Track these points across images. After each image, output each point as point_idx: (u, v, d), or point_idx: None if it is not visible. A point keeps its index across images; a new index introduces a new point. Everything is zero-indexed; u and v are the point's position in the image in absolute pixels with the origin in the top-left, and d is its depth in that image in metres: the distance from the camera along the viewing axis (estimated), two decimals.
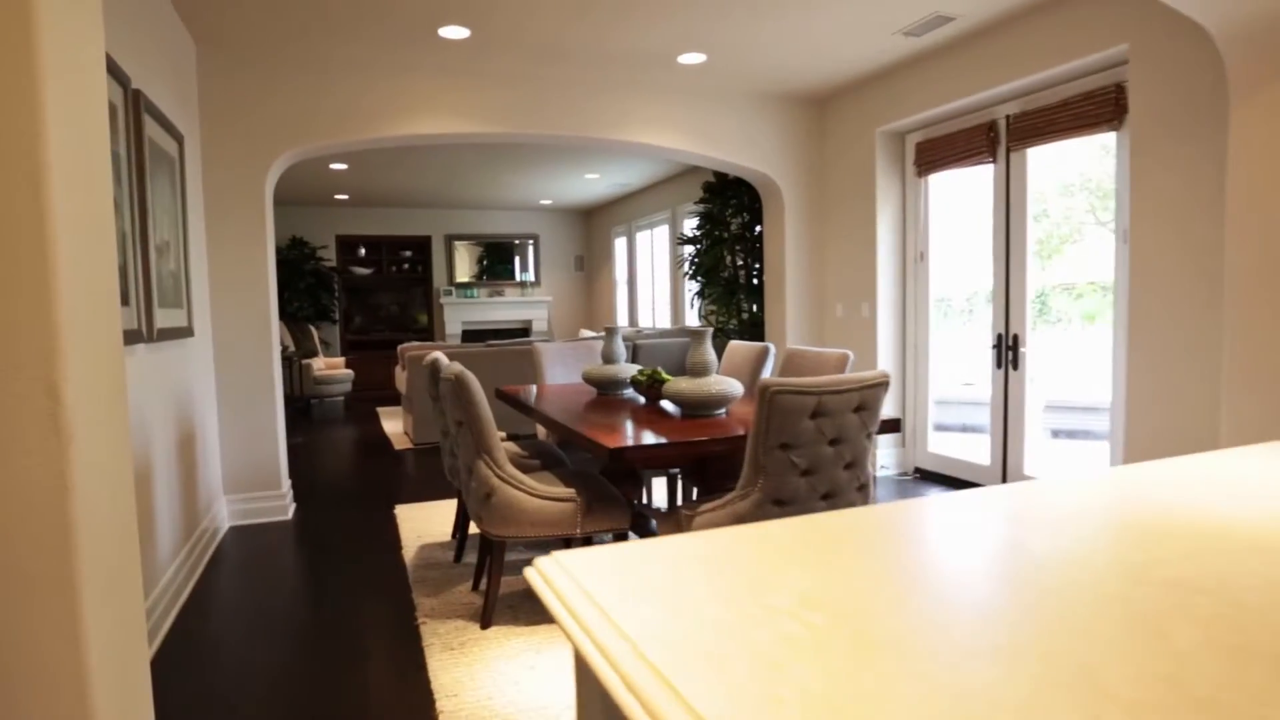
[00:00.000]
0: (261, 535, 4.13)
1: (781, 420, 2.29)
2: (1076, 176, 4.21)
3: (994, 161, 4.45)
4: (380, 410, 9.08)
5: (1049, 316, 4.42)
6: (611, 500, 2.84)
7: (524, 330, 11.46)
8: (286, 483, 4.53)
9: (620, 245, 10.57)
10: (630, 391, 3.81)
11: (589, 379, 3.76)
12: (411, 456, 6.22)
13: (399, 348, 6.72)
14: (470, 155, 7.33)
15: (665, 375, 3.40)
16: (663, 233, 9.22)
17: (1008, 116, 4.34)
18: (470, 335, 11.24)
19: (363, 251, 10.76)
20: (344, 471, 5.70)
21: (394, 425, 7.79)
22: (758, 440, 2.34)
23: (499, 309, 11.07)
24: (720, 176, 6.34)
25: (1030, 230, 4.30)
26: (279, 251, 9.94)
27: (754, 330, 6.14)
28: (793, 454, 2.34)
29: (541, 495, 2.78)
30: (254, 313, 4.29)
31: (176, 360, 3.43)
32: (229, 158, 4.18)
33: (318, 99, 4.32)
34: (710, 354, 3.05)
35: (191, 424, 3.68)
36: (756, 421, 2.32)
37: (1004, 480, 4.56)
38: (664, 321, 9.29)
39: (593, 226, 11.52)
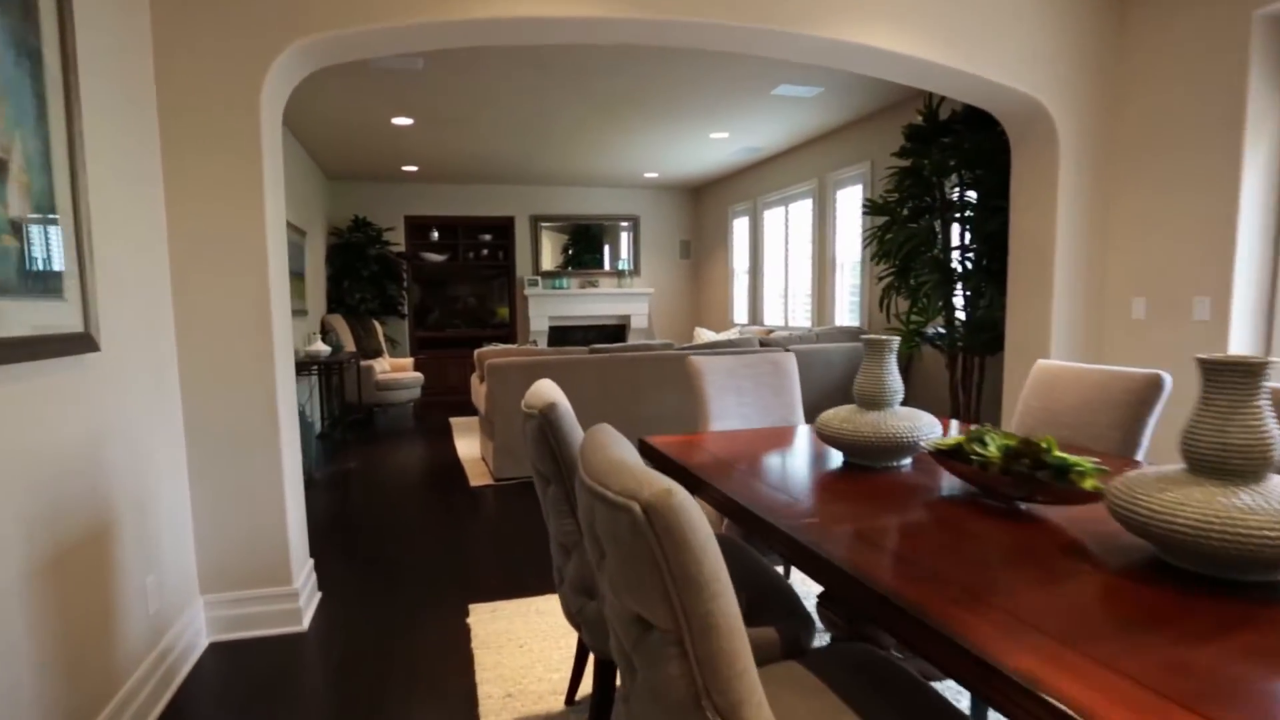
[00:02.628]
0: (253, 661, 2.50)
1: None
2: None
3: None
4: (454, 422, 7.50)
5: None
6: None
7: (620, 328, 9.75)
8: (303, 570, 2.90)
9: (740, 227, 8.74)
10: (905, 464, 1.99)
11: (835, 438, 1.96)
12: (492, 498, 4.56)
13: (476, 353, 5.07)
14: (569, 113, 5.65)
15: (1069, 457, 1.58)
16: (803, 209, 7.35)
17: None
18: (557, 333, 9.61)
19: (435, 235, 9.24)
20: (400, 527, 4.07)
21: (470, 446, 6.18)
22: None
23: (591, 302, 9.40)
24: (930, 119, 4.44)
25: None
26: (339, 234, 8.48)
27: (980, 337, 4.23)
28: None
29: None
30: (242, 307, 2.67)
31: (42, 395, 1.80)
32: (199, 49, 2.54)
33: None
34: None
35: (108, 497, 2.05)
36: None
37: None
38: (801, 321, 7.42)
39: (703, 206, 9.72)
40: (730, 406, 2.91)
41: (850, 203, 6.55)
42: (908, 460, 1.98)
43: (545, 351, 4.98)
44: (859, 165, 6.28)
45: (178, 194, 2.58)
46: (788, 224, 7.60)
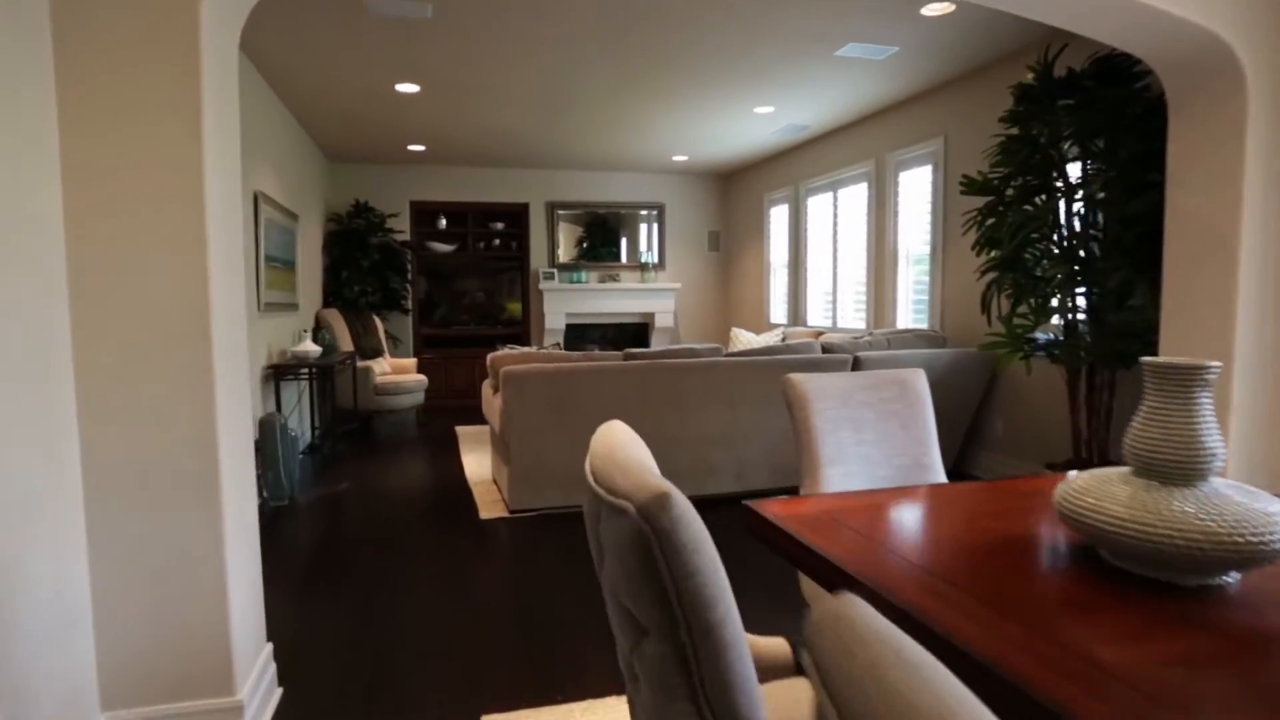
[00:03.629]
0: None
1: None
2: None
3: None
4: (461, 432, 6.72)
5: None
6: None
7: (642, 327, 8.95)
8: (254, 668, 2.11)
9: (778, 216, 7.91)
10: (1230, 580, 1.19)
11: (1105, 534, 1.14)
12: (507, 536, 3.77)
13: (490, 357, 4.26)
14: (596, 81, 4.85)
15: None
16: (855, 195, 6.52)
17: None
18: (574, 331, 8.81)
19: (443, 223, 8.44)
20: (392, 580, 3.29)
21: (479, 462, 5.39)
22: None
23: (612, 298, 8.59)
24: (1044, 78, 3.61)
25: None
26: (338, 220, 7.70)
27: (1113, 345, 3.41)
28: None
29: None
30: (168, 301, 1.88)
31: None
32: None
33: None
34: None
35: None
36: None
37: None
38: (853, 321, 6.60)
39: (735, 194, 8.90)
40: (846, 445, 2.10)
41: (916, 185, 5.73)
42: (1233, 575, 1.18)
43: (570, 357, 4.18)
44: (928, 142, 5.46)
45: (78, 134, 1.79)
46: (836, 212, 6.77)
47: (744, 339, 6.82)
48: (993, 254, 3.78)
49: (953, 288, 5.29)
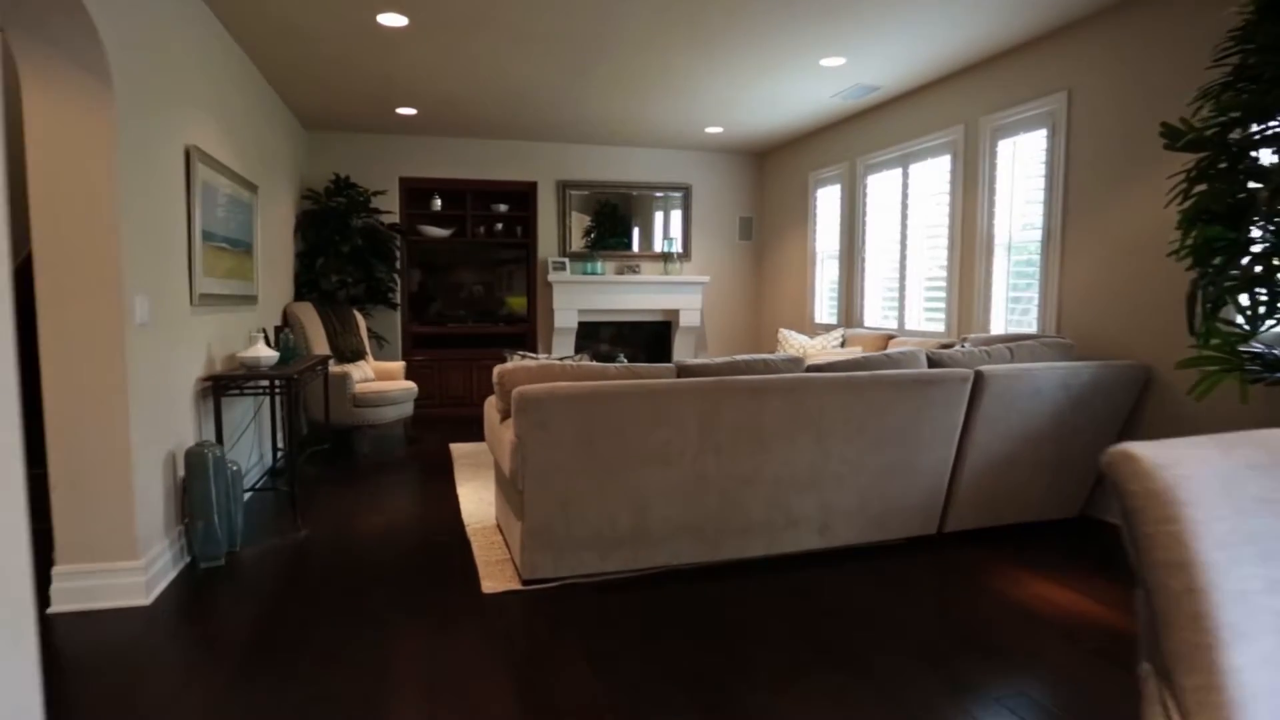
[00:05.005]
0: None
1: None
2: None
3: None
4: (456, 451, 5.63)
5: None
6: None
7: (665, 325, 7.85)
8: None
9: (828, 199, 6.82)
10: None
11: None
12: (517, 618, 2.69)
13: (497, 371, 3.13)
14: (634, 20, 3.76)
15: None
16: (933, 171, 5.43)
17: None
18: (588, 330, 7.70)
19: (438, 203, 7.32)
20: (350, 697, 2.19)
21: (478, 496, 4.30)
22: None
23: (631, 293, 7.48)
24: None
25: None
26: (315, 197, 6.57)
27: None
28: None
29: None
30: None
31: None
32: None
33: None
34: None
35: None
36: None
37: None
38: (927, 324, 5.51)
39: (772, 174, 7.80)
40: (1255, 595, 1.02)
41: (1023, 156, 4.64)
42: None
43: (604, 371, 3.08)
44: (1043, 100, 4.36)
45: None
46: (906, 191, 5.68)
47: (795, 343, 5.72)
48: (1205, 232, 2.68)
49: (1076, 282, 4.20)
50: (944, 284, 5.27)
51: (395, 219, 7.11)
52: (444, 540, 3.62)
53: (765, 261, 7.98)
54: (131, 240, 2.87)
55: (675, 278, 7.52)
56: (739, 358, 3.29)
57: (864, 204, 6.22)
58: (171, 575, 3.13)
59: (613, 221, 7.63)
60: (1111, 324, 3.99)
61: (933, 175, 5.40)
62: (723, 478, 3.12)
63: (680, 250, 7.79)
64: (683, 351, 7.76)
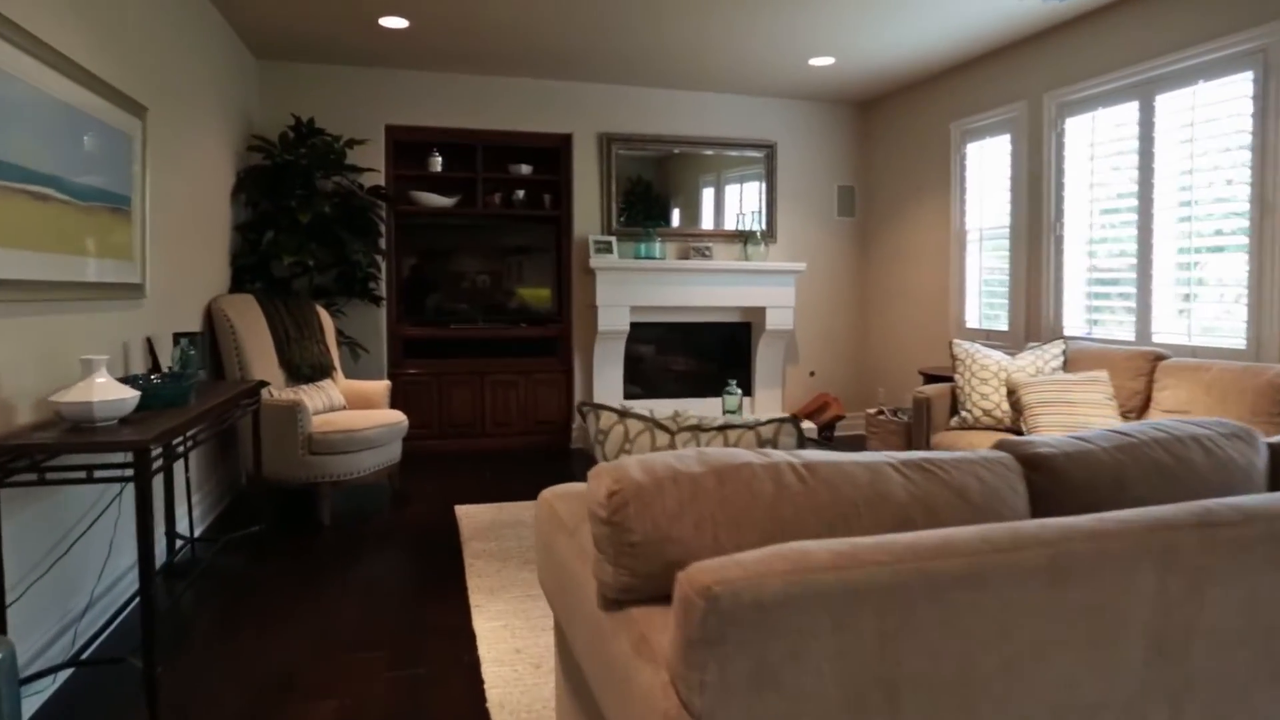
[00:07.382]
0: None
1: None
2: None
3: None
4: (463, 521, 3.70)
5: None
6: None
7: (745, 328, 5.89)
8: None
9: (988, 155, 4.87)
10: None
11: None
12: None
13: (606, 488, 1.18)
14: None
15: None
16: (1216, 95, 3.50)
17: None
18: (642, 334, 5.73)
19: (438, 162, 5.37)
20: None
21: (507, 645, 2.37)
22: None
23: (699, 285, 5.54)
24: None
25: None
26: (267, 148, 4.61)
27: None
28: None
29: None
30: None
31: None
32: None
33: None
34: None
35: None
36: None
37: None
38: (1173, 331, 3.57)
39: (880, 129, 5.87)
40: None
41: None
42: None
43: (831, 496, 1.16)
44: None
45: None
46: (1149, 135, 3.74)
47: (987, 363, 3.75)
48: None
49: None
50: (1247, 276, 3.34)
51: (379, 181, 5.17)
52: None
53: (874, 245, 6.03)
54: None
55: (760, 265, 5.58)
56: (1132, 432, 1.37)
57: (1056, 159, 4.29)
58: None
59: (646, 200, 5.65)
60: None
61: (1212, 103, 3.47)
62: None
63: (764, 227, 5.86)
64: (768, 365, 5.82)
